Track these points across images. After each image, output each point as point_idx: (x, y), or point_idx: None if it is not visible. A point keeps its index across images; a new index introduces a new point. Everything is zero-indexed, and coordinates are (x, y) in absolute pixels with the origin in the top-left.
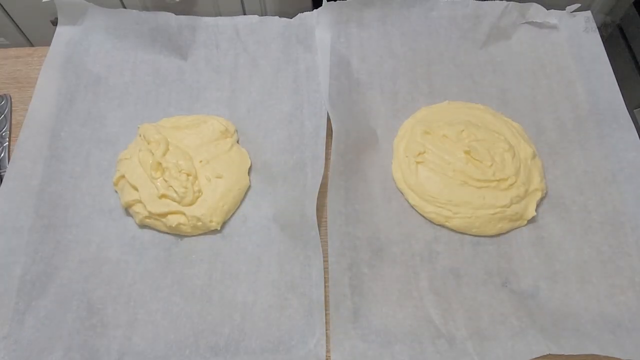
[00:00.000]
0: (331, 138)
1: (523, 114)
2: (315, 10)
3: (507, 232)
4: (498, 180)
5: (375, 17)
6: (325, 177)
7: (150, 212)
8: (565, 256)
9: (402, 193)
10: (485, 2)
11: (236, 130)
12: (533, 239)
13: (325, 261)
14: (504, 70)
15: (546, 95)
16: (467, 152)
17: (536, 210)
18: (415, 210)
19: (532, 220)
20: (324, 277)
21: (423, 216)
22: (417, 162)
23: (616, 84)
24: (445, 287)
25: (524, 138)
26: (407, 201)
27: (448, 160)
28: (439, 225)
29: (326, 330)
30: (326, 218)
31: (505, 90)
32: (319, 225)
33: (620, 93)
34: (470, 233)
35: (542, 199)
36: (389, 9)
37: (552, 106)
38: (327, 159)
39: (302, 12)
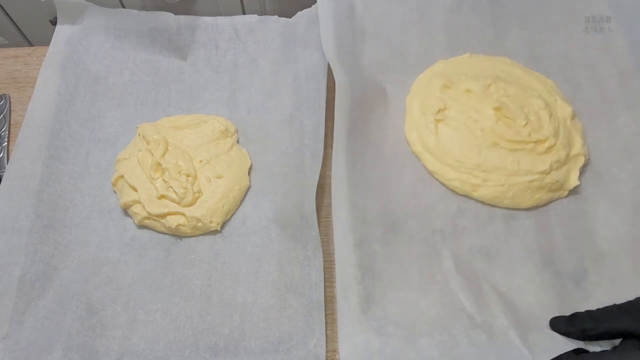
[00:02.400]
0: (331, 132)
1: (555, 70)
2: None
3: (545, 204)
4: (535, 142)
5: None
6: (322, 176)
7: (149, 213)
8: (614, 233)
9: (418, 158)
10: None
11: (236, 130)
12: (574, 213)
13: (326, 260)
14: (532, 21)
15: (581, 50)
16: (497, 109)
17: (579, 179)
18: (435, 177)
19: (573, 191)
20: (324, 278)
21: (444, 185)
22: (437, 121)
23: None
24: (473, 269)
25: (560, 96)
26: (425, 167)
27: (475, 117)
28: (464, 195)
29: (326, 330)
30: (325, 218)
31: (533, 44)
32: (321, 225)
33: None
34: (501, 205)
35: (584, 166)
36: None
37: (589, 61)
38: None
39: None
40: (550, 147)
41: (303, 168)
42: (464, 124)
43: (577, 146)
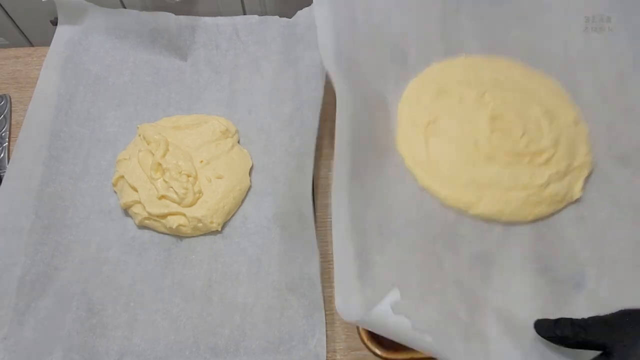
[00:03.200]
0: (328, 133)
1: (556, 72)
2: None
3: (548, 216)
4: (532, 153)
5: None
6: (325, 177)
7: (149, 213)
8: (614, 238)
9: (410, 172)
10: None
11: (237, 131)
12: (574, 219)
13: (326, 261)
14: (531, 23)
15: (581, 50)
16: (492, 119)
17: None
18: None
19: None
20: (323, 278)
21: (439, 200)
22: (428, 133)
23: None
24: (472, 276)
25: (564, 99)
26: (417, 182)
27: (468, 129)
28: (460, 213)
29: (326, 330)
30: (325, 218)
31: (533, 46)
32: (321, 225)
33: None
34: (500, 221)
35: (589, 176)
36: None
37: (589, 62)
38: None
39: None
40: (549, 158)
41: (303, 168)
42: (457, 136)
43: (580, 155)
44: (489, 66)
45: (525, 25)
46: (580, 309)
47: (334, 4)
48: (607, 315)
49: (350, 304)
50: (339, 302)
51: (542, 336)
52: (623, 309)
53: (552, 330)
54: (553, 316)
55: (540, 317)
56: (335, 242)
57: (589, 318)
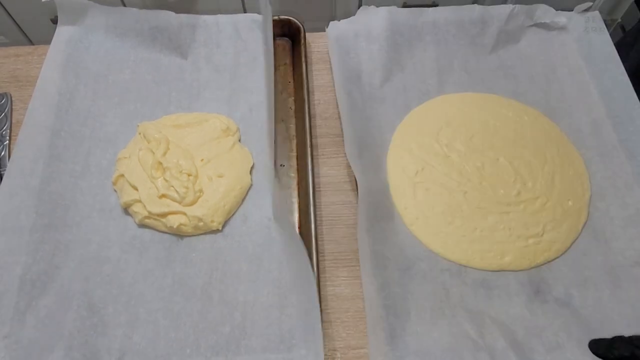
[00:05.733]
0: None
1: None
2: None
3: (551, 261)
4: (525, 201)
5: (383, 29)
6: (325, 175)
7: (150, 212)
8: (593, 262)
9: (402, 220)
10: (492, 6)
11: (238, 129)
12: (560, 248)
13: (326, 260)
14: (515, 74)
15: (560, 100)
16: (481, 166)
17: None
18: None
19: None
20: (323, 277)
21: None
22: (416, 182)
23: (630, 84)
24: (476, 301)
25: (558, 135)
26: (411, 233)
27: (457, 179)
28: (456, 269)
29: (326, 329)
30: (325, 217)
31: (517, 95)
32: (323, 224)
33: (635, 93)
34: (502, 270)
35: (585, 223)
36: (395, 20)
37: (566, 110)
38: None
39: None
40: (544, 204)
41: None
42: (445, 186)
43: (577, 197)
44: (480, 105)
45: (509, 76)
46: (569, 327)
47: (345, 69)
48: None
49: (378, 331)
50: (368, 330)
51: (599, 356)
52: None
53: (610, 351)
54: (546, 334)
55: (537, 335)
56: (363, 278)
57: None
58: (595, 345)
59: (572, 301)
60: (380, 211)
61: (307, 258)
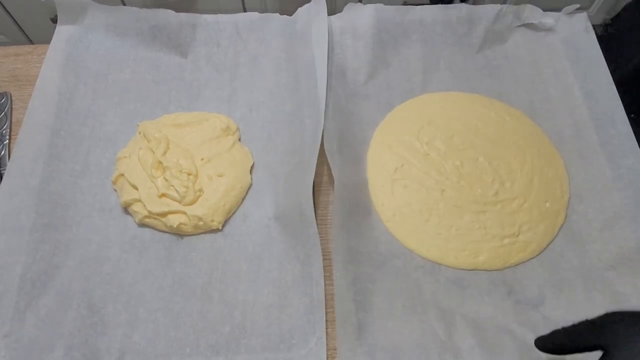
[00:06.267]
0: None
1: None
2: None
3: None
4: (502, 202)
5: (369, 26)
6: (323, 174)
7: (150, 212)
8: (569, 264)
9: (378, 216)
10: (479, 5)
11: (238, 128)
12: (535, 248)
13: (326, 259)
14: (500, 74)
15: (543, 101)
16: (460, 165)
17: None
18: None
19: None
20: (324, 276)
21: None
22: (394, 180)
23: (614, 87)
24: (449, 299)
25: (539, 135)
26: (387, 230)
27: (435, 177)
28: (431, 267)
29: (327, 328)
30: (325, 216)
31: (502, 95)
32: (324, 224)
33: (618, 96)
34: (476, 269)
35: (563, 225)
36: (382, 17)
37: (549, 112)
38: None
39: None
40: (521, 205)
41: (303, 167)
42: (423, 184)
43: (556, 199)
44: (464, 105)
45: (494, 76)
46: (540, 325)
47: (330, 65)
48: (594, 318)
49: (347, 326)
50: (337, 324)
51: (543, 351)
52: (607, 311)
53: (549, 342)
54: (518, 332)
55: (507, 335)
56: (335, 273)
57: (579, 323)
58: (538, 342)
59: (544, 302)
60: (357, 207)
61: (320, 259)
